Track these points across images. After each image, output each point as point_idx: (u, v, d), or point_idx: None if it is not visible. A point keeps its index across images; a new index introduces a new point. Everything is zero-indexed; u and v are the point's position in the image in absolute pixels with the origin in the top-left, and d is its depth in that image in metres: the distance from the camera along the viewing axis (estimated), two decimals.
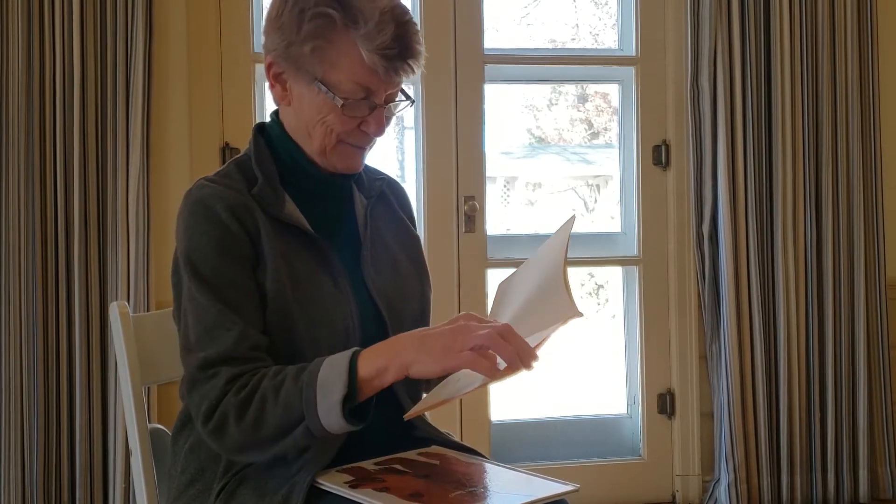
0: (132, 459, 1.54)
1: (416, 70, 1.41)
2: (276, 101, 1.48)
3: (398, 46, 1.36)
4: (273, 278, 1.36)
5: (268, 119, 1.53)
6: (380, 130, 1.43)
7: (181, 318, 1.37)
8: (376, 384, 1.27)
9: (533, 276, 1.41)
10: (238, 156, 1.50)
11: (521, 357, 1.22)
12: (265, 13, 1.47)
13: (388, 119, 1.46)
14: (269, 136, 1.49)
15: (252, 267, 1.36)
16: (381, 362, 1.27)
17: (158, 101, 2.83)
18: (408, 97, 1.45)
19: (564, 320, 1.24)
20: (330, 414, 1.25)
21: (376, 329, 1.44)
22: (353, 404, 1.26)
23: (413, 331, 1.32)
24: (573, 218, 1.40)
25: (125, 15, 2.73)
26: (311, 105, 1.41)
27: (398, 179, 1.66)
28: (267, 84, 1.48)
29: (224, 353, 1.31)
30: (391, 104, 1.44)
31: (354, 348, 1.30)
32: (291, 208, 1.42)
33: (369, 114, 1.41)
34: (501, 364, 1.23)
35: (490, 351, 1.23)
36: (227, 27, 2.97)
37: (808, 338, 3.13)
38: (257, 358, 1.33)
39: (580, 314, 1.23)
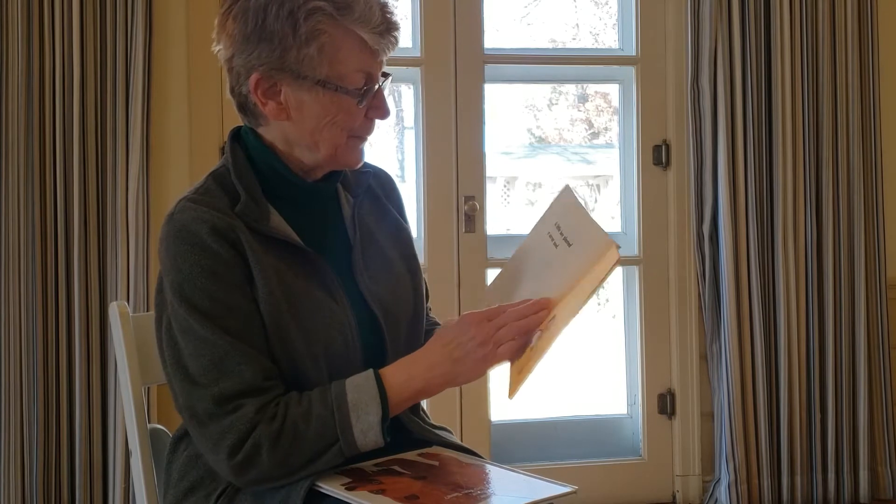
0: (132, 460, 1.54)
1: (398, 43, 1.41)
2: (267, 119, 1.39)
3: (385, 22, 1.36)
4: (266, 298, 1.31)
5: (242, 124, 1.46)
6: (387, 113, 1.43)
7: (171, 348, 1.33)
8: (409, 403, 1.37)
9: (539, 249, 1.41)
10: (215, 168, 1.43)
11: (530, 324, 1.32)
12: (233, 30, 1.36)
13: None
14: (246, 145, 1.43)
15: (248, 289, 1.32)
16: (417, 385, 1.34)
17: (158, 101, 2.83)
18: (386, 73, 1.44)
19: (603, 255, 1.28)
20: (367, 435, 1.30)
21: (373, 336, 1.42)
22: (387, 424, 1.32)
23: (433, 346, 1.36)
24: (567, 188, 1.41)
25: (125, 15, 2.73)
26: (317, 109, 1.36)
27: (398, 179, 1.63)
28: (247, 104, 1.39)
29: (244, 387, 1.28)
30: (383, 83, 1.43)
31: (370, 369, 1.34)
32: (277, 221, 1.38)
33: (373, 99, 1.40)
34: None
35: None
36: None
37: (809, 338, 3.13)
38: (275, 386, 1.32)
39: (615, 244, 1.28)
